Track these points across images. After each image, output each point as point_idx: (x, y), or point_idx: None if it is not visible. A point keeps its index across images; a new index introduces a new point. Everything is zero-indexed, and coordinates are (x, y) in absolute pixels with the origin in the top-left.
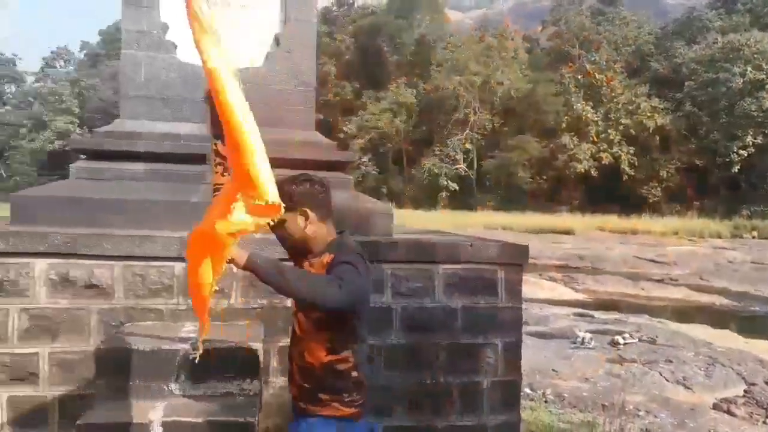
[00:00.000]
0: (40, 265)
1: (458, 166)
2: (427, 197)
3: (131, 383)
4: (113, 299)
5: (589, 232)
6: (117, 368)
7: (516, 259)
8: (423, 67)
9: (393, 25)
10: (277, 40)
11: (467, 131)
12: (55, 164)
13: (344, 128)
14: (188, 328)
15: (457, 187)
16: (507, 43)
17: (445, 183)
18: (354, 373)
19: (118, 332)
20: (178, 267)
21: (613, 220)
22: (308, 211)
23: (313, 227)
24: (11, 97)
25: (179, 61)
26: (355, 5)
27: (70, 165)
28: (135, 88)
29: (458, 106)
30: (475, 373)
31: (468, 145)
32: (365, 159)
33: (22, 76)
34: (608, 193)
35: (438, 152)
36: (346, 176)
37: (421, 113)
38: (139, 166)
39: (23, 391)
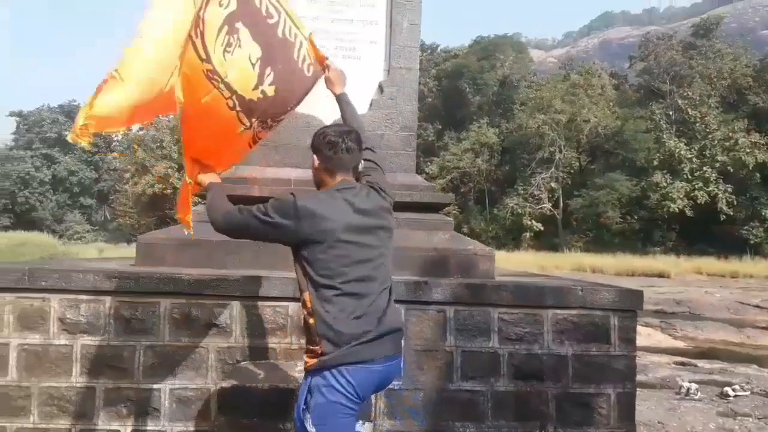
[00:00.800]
0: (165, 304)
1: (543, 205)
2: (510, 237)
3: (250, 421)
4: (231, 338)
5: (686, 275)
6: (236, 405)
7: (630, 304)
8: (506, 107)
9: (475, 66)
10: (381, 88)
11: (552, 170)
12: (155, 206)
13: (426, 169)
14: (300, 368)
15: (541, 227)
16: (593, 80)
17: (529, 223)
18: (311, 320)
19: (235, 370)
20: (293, 307)
21: (711, 263)
22: (315, 157)
23: (317, 173)
24: (118, 144)
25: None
26: (438, 49)
27: (192, 208)
28: None
29: (543, 145)
30: (587, 424)
31: (553, 184)
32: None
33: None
34: (704, 233)
35: (521, 191)
36: (446, 218)
37: (504, 152)
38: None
39: (145, 425)
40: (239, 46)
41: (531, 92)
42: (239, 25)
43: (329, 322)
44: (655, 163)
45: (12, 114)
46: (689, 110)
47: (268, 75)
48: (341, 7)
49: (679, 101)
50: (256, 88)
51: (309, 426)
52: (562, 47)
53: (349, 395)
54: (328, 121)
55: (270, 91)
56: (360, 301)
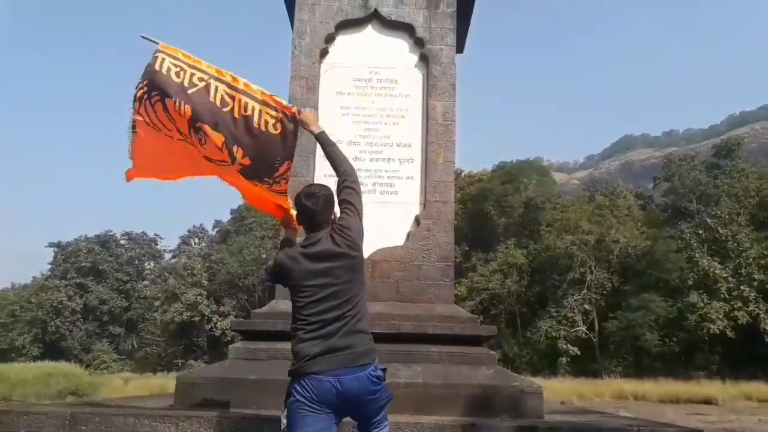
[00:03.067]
0: None
1: (578, 328)
2: (545, 362)
3: None
4: None
5: (735, 401)
6: None
7: None
8: (532, 228)
9: (500, 189)
10: (417, 221)
11: (584, 291)
12: (183, 334)
13: (455, 291)
14: None
15: (578, 352)
16: (619, 201)
17: (565, 347)
18: (292, 341)
19: None
20: None
21: (761, 388)
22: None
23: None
24: (149, 272)
25: None
26: (463, 174)
27: (229, 346)
28: None
29: (573, 266)
30: None
31: (587, 306)
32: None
33: (161, 254)
34: (750, 355)
35: (555, 314)
36: (490, 352)
37: (534, 273)
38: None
39: None
40: (205, 141)
41: (557, 213)
42: (199, 124)
43: (294, 343)
44: (690, 282)
45: (51, 245)
46: (719, 228)
47: (237, 151)
48: (380, 148)
49: (708, 220)
50: (233, 162)
51: (283, 418)
52: (584, 169)
53: (306, 398)
54: None
55: (246, 161)
56: (316, 329)
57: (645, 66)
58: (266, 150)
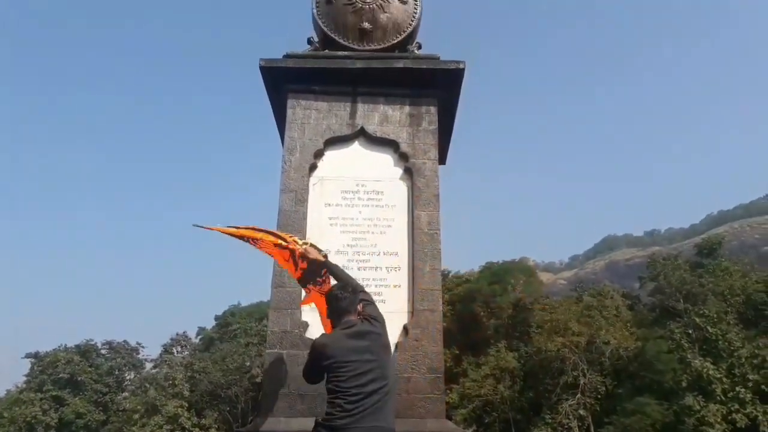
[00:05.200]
0: None
1: None
2: None
3: None
4: None
5: None
6: None
7: None
8: (522, 330)
9: (487, 290)
10: (405, 330)
11: (578, 395)
12: None
13: (447, 399)
14: None
15: None
16: (607, 302)
17: None
18: (324, 417)
19: None
20: None
21: None
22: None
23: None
24: (130, 383)
25: None
26: (450, 275)
27: None
28: (276, 385)
29: (565, 369)
30: None
31: (582, 411)
32: (470, 431)
33: (142, 363)
34: None
35: (550, 420)
36: None
37: (526, 377)
38: None
39: None
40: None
41: (546, 314)
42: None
43: (332, 413)
44: (684, 384)
45: (28, 356)
46: (708, 328)
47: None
48: (368, 256)
49: (697, 319)
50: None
51: None
52: (569, 269)
53: None
54: None
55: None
56: (357, 400)
57: (625, 168)
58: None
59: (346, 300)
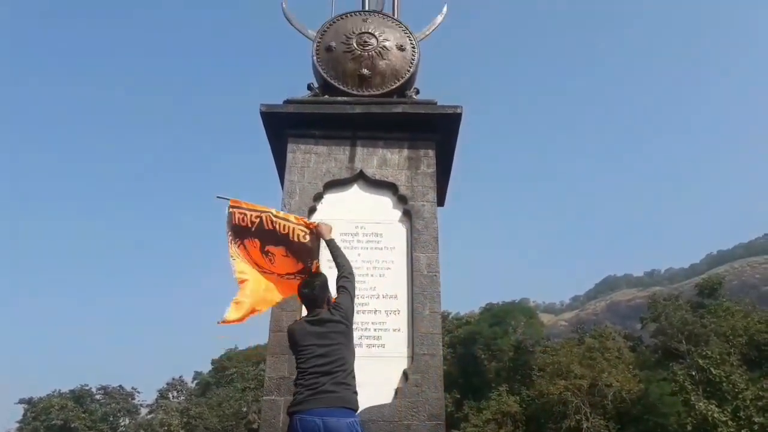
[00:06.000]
0: None
1: None
2: None
3: None
4: None
5: None
6: None
7: None
8: (523, 373)
9: (488, 332)
10: (405, 375)
11: None
12: None
13: None
14: None
15: None
16: (608, 343)
17: None
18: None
19: None
20: None
21: None
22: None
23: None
24: (125, 429)
25: None
26: (450, 317)
27: None
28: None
29: (568, 413)
30: None
31: None
32: None
33: (137, 409)
34: None
35: None
36: None
37: (529, 422)
38: None
39: None
40: (274, 260)
41: (547, 357)
42: (269, 247)
43: (294, 392)
44: (689, 428)
45: (21, 401)
46: (712, 369)
47: (286, 256)
48: (367, 300)
49: (700, 361)
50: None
51: None
52: (570, 310)
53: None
54: None
55: (290, 254)
56: (312, 378)
57: (624, 209)
58: (301, 252)
59: (319, 299)
